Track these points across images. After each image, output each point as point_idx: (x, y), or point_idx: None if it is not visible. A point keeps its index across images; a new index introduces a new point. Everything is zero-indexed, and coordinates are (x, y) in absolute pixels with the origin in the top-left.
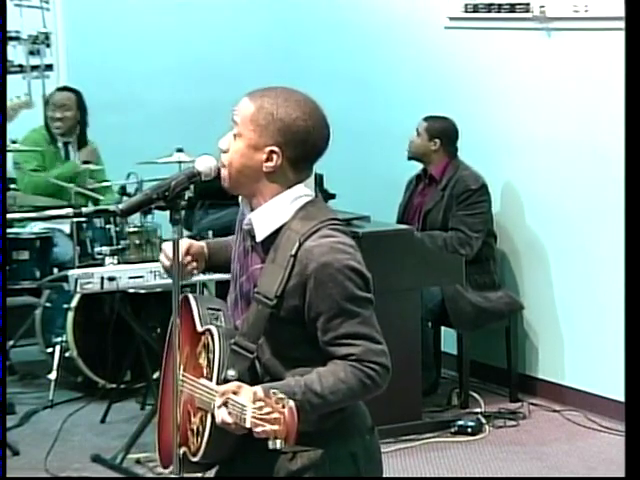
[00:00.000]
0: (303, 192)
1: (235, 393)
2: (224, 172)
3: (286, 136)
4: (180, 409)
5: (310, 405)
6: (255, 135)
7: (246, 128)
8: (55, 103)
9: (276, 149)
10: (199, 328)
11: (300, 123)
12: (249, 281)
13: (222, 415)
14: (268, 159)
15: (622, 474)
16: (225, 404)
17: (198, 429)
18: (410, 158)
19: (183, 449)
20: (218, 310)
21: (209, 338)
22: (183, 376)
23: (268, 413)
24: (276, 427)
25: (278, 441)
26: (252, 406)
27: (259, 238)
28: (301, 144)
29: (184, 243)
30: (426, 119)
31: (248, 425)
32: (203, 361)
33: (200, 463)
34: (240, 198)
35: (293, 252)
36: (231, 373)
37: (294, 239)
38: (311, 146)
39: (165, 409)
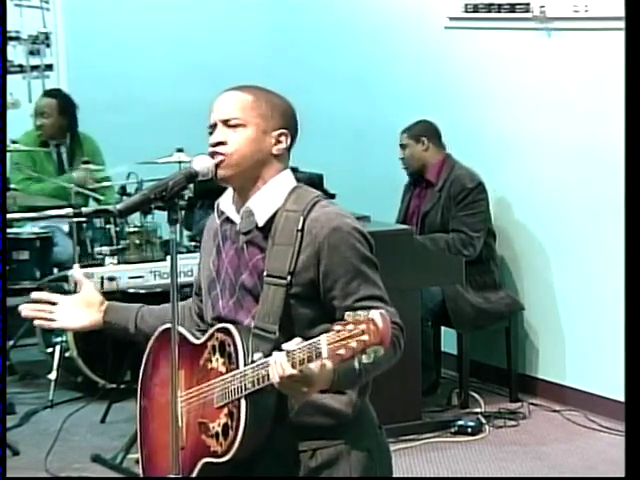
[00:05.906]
0: (291, 176)
1: None
2: (226, 161)
3: (289, 119)
4: (184, 429)
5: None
6: (262, 121)
7: (250, 116)
8: (36, 110)
9: (285, 131)
10: (197, 341)
11: (293, 108)
12: (252, 275)
13: (283, 366)
14: (277, 142)
15: (622, 474)
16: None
17: (225, 427)
18: (411, 174)
19: (204, 460)
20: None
21: (222, 336)
22: (184, 395)
23: (350, 331)
24: (365, 337)
25: (365, 355)
26: (326, 335)
27: (261, 222)
28: (296, 127)
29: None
30: (404, 131)
31: (325, 355)
32: (217, 363)
33: (233, 460)
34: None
35: (299, 227)
36: (258, 356)
37: (295, 217)
38: (298, 131)
39: (154, 439)
